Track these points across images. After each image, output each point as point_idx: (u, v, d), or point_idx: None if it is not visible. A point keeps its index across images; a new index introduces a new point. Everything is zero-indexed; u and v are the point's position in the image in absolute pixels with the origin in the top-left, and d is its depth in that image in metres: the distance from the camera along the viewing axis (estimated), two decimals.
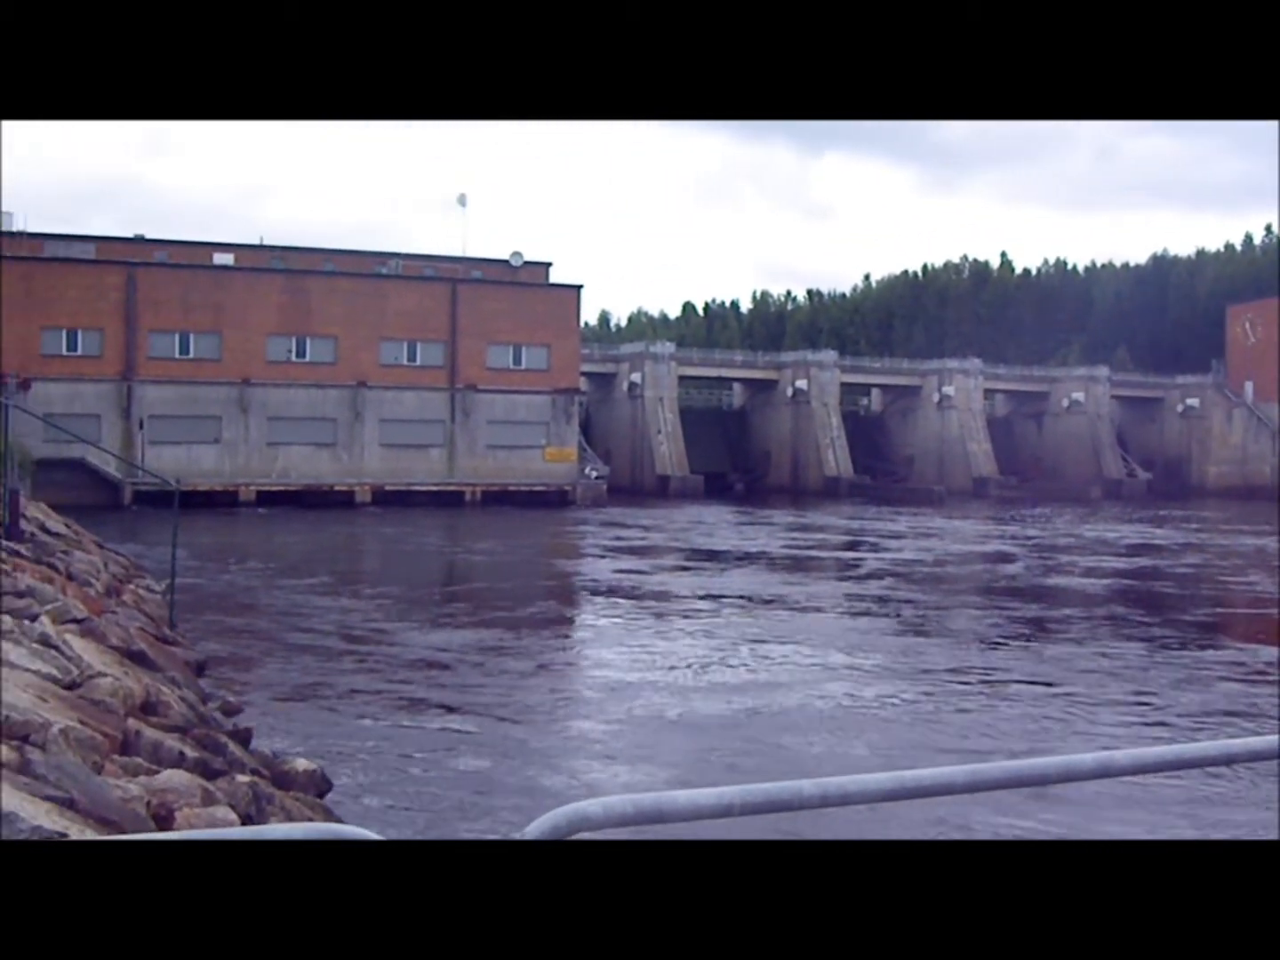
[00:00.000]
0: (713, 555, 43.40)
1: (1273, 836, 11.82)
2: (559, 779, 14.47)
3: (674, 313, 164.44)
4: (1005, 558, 44.17)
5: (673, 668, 21.55)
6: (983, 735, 17.11)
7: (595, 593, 32.76)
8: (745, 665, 22.07)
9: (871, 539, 50.91)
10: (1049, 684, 20.64)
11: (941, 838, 11.58)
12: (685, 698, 19.20)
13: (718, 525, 57.46)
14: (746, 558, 42.58)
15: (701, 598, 31.27)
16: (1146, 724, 18.09)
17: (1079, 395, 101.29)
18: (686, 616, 27.89)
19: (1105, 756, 3.37)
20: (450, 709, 18.17)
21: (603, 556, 42.74)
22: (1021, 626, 27.50)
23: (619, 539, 49.38)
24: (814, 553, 46.24)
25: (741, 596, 31.60)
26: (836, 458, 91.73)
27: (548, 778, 14.50)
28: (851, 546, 48.33)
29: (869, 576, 37.04)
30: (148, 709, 11.44)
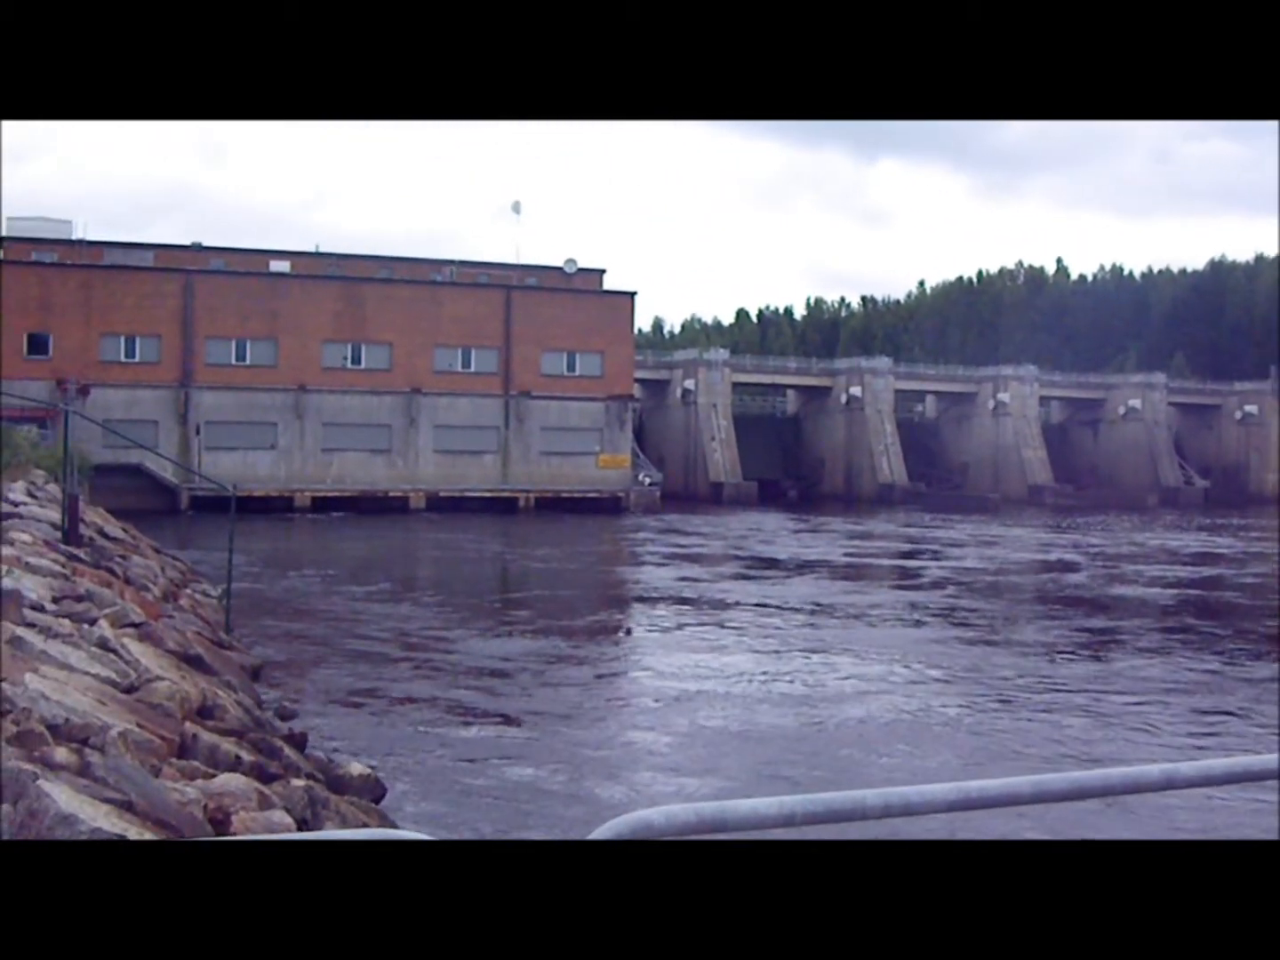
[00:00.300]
0: (773, 563, 43.02)
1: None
2: (618, 789, 14.22)
3: (728, 319, 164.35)
4: (1068, 566, 43.55)
5: (736, 678, 21.23)
6: (1058, 751, 16.63)
7: (656, 600, 32.38)
8: (810, 676, 21.71)
9: (931, 547, 50.43)
10: (1122, 695, 20.23)
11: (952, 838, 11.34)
12: (749, 709, 18.89)
13: (776, 532, 57.05)
14: (807, 565, 42.18)
15: (764, 606, 30.87)
16: (1223, 736, 17.66)
17: (1136, 402, 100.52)
18: (749, 625, 27.57)
19: (1170, 768, 3.33)
20: (509, 717, 17.95)
21: (662, 564, 42.43)
22: (1090, 638, 26.99)
23: (678, 546, 49.10)
24: (875, 561, 46.00)
25: (804, 605, 31.16)
26: (890, 465, 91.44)
27: (607, 789, 14.26)
28: (912, 555, 47.77)
29: (932, 585, 36.57)
30: (204, 713, 11.46)
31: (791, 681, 21.16)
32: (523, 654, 23.13)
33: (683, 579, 37.20)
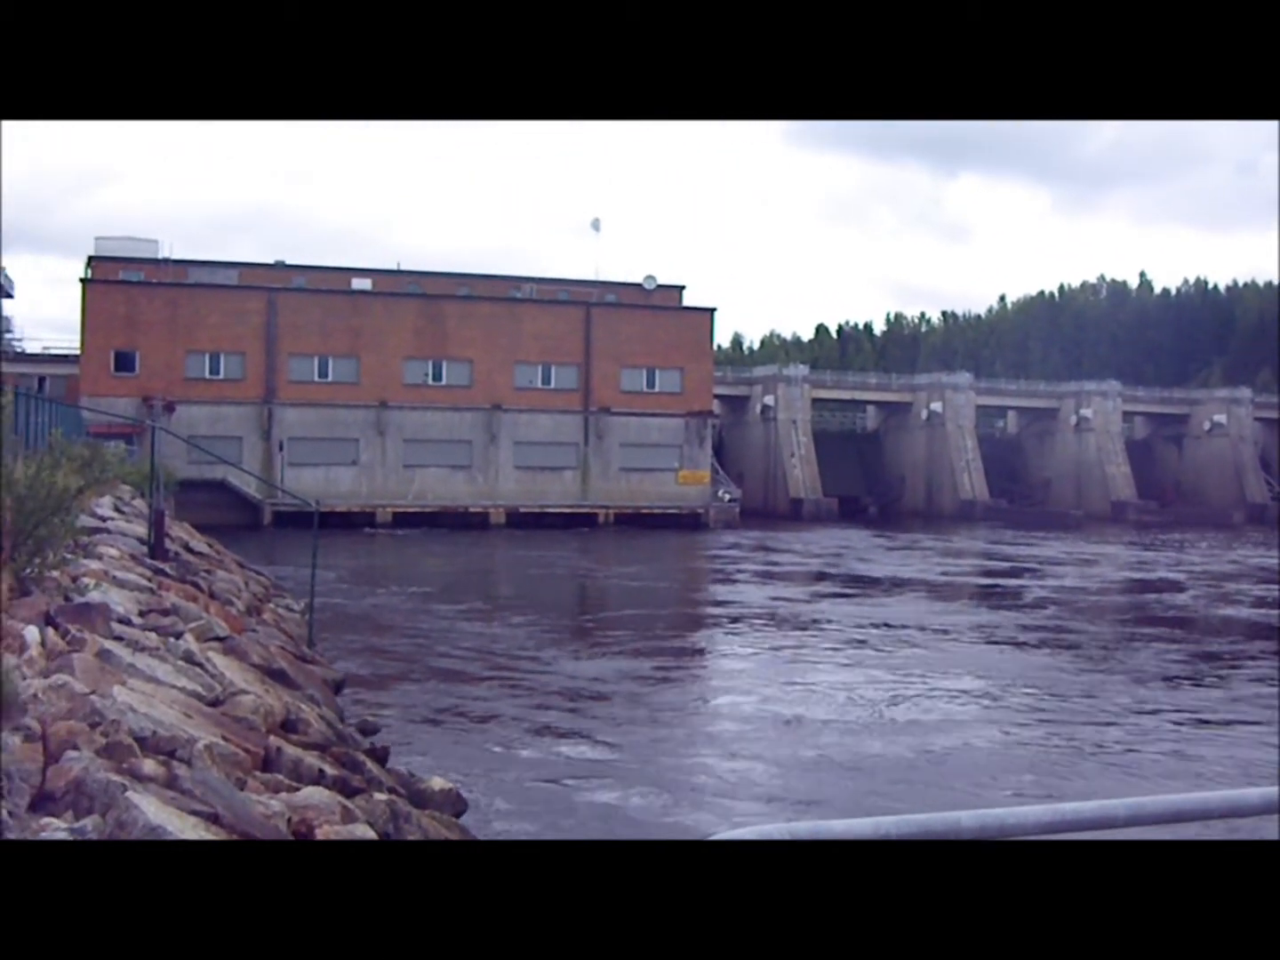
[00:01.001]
0: (868, 581, 42.27)
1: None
2: (710, 818, 13.67)
3: (807, 335, 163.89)
4: (1172, 586, 42.44)
5: (838, 702, 20.66)
6: (1186, 779, 15.91)
7: (752, 620, 31.59)
8: (916, 700, 21.08)
9: (1027, 565, 49.48)
10: (1248, 721, 19.51)
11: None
12: (853, 735, 18.34)
13: (865, 550, 56.22)
14: (903, 584, 41.38)
15: (864, 627, 30.14)
16: None
17: (1221, 417, 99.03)
18: (849, 647, 26.92)
19: (1270, 792, 3.23)
20: (599, 740, 17.57)
21: (754, 582, 41.67)
22: (1206, 662, 26.04)
23: (767, 563, 48.54)
24: (972, 579, 45.26)
25: (905, 625, 30.46)
26: (971, 481, 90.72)
27: (700, 818, 13.75)
28: (1009, 573, 46.63)
29: (1034, 606, 35.70)
30: (288, 726, 11.54)
31: (897, 706, 20.52)
32: (616, 675, 22.76)
33: (777, 598, 36.54)
